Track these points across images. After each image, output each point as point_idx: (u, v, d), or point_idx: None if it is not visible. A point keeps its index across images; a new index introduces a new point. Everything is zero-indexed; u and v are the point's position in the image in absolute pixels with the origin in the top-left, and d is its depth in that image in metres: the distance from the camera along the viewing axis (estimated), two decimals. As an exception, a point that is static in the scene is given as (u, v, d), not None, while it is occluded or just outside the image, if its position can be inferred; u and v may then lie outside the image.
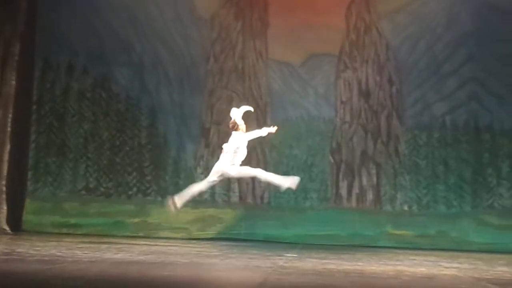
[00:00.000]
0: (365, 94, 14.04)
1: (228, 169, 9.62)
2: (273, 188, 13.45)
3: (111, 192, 13.78)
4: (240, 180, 13.74)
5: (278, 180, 9.62)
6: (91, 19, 14.01)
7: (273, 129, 9.97)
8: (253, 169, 9.82)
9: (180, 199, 9.40)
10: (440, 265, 8.43)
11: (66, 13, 13.90)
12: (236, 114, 10.07)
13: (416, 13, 14.13)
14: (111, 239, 11.51)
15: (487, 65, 13.73)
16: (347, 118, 14.01)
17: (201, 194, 9.93)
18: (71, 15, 13.92)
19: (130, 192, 13.80)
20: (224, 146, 9.79)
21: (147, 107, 14.03)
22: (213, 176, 9.64)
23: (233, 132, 9.89)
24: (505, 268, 8.15)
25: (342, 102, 14.08)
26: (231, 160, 9.69)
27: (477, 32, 13.82)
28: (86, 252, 8.13)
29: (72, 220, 13.46)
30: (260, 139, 13.49)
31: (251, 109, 10.22)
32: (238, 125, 9.93)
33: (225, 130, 13.83)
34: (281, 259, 8.49)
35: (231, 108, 13.83)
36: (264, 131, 10.01)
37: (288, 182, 9.47)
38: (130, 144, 13.94)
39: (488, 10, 13.86)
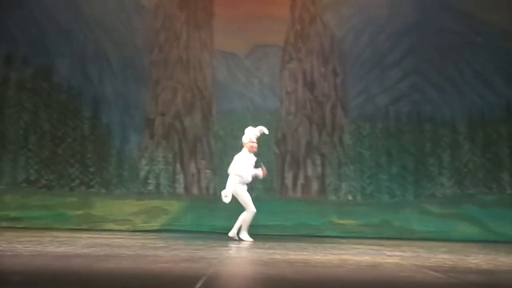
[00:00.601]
0: (310, 85, 14.10)
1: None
2: (219, 180, 13.45)
3: (53, 184, 13.56)
4: (185, 171, 13.69)
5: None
6: (32, 8, 13.73)
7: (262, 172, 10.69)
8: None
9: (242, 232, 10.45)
10: (383, 253, 8.53)
11: (5, 2, 13.58)
12: (253, 134, 10.61)
13: (360, 4, 14.26)
14: (54, 232, 11.33)
15: (429, 56, 13.94)
16: (292, 109, 14.05)
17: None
18: (10, 3, 13.62)
19: (72, 184, 13.61)
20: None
21: (90, 97, 13.83)
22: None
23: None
24: (446, 256, 8.29)
25: (287, 93, 14.12)
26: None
27: (419, 23, 14.02)
28: (27, 246, 7.97)
29: (13, 213, 13.20)
30: (205, 130, 13.53)
31: (266, 131, 10.76)
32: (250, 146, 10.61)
33: (170, 121, 13.78)
34: (227, 250, 8.47)
35: (175, 99, 13.91)
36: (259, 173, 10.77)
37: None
38: (72, 135, 13.74)
39: (429, 2, 14.07)
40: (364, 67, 14.10)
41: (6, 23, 13.64)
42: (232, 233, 10.54)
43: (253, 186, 13.63)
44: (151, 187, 13.72)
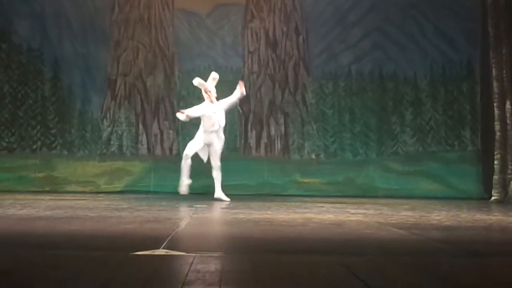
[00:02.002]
0: (272, 44, 14.04)
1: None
2: (182, 140, 13.41)
3: (14, 147, 13.39)
4: (148, 132, 13.61)
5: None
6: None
7: (241, 88, 10.30)
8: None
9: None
10: (347, 211, 8.63)
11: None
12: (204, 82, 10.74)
13: (322, -39, 14.15)
14: (16, 195, 11.24)
15: (390, 15, 13.93)
16: (255, 68, 14.00)
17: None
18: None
19: (34, 146, 13.46)
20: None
21: (50, 58, 13.61)
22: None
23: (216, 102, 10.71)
24: (409, 213, 8.41)
25: (249, 52, 14.05)
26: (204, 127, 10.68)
27: (380, -19, 13.99)
28: (-11, 209, 7.90)
29: (-27, 176, 13.05)
30: (168, 90, 13.42)
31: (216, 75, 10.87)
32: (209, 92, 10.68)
33: (132, 82, 13.65)
34: (190, 210, 8.49)
35: (137, 59, 13.76)
36: (235, 96, 10.45)
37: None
38: (33, 97, 13.53)
39: (390, -41, 14.03)
40: (326, 25, 14.06)
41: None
42: (217, 194, 10.62)
43: (216, 146, 13.65)
44: (113, 149, 13.63)
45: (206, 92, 10.81)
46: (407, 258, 4.48)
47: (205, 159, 10.88)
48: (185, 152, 10.81)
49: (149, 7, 13.91)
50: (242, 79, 13.71)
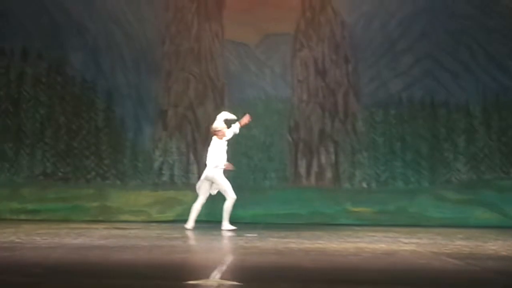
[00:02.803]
0: (322, 73, 14.08)
1: (214, 173, 10.43)
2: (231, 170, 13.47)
3: (69, 177, 13.64)
4: (198, 162, 13.71)
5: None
6: (45, 3, 13.78)
7: (245, 120, 10.27)
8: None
9: (189, 223, 10.45)
10: (399, 240, 8.52)
11: (20, -1, 13.68)
12: (220, 120, 10.66)
13: (370, -10, 14.18)
14: (70, 224, 11.41)
15: (441, 41, 13.86)
16: (305, 97, 14.03)
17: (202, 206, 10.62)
18: (25, 0, 13.69)
19: (88, 176, 13.68)
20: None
21: (103, 90, 13.88)
22: (204, 185, 10.51)
23: (214, 138, 10.59)
24: (463, 242, 8.27)
25: (299, 81, 14.10)
26: (216, 164, 10.48)
27: (430, 8, 13.94)
28: (45, 238, 8.04)
29: (30, 206, 13.30)
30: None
31: (234, 117, 10.77)
32: (223, 132, 10.56)
33: (183, 112, 13.81)
34: (241, 239, 8.50)
35: (188, 90, 13.93)
36: (236, 127, 10.35)
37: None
38: (87, 127, 13.80)
39: (440, -14, 13.98)
40: (375, 53, 14.05)
41: (21, 18, 13.71)
42: (189, 225, 10.49)
43: (266, 176, 13.69)
44: (165, 178, 13.77)
45: (220, 130, 10.64)
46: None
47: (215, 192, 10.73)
48: (233, 196, 10.49)
49: (200, 39, 14.10)
50: (291, 108, 13.78)
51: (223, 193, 10.53)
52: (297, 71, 14.15)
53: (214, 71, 14.08)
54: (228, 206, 10.44)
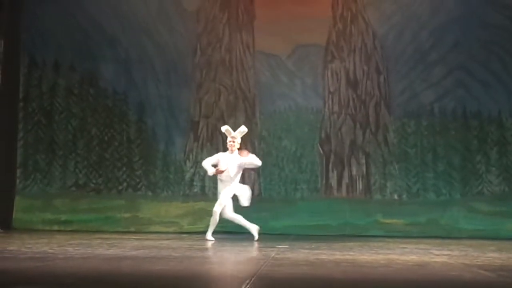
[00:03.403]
0: (353, 84, 14.06)
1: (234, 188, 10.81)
2: (263, 180, 13.53)
3: (101, 188, 13.75)
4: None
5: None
6: (77, 15, 13.95)
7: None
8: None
9: (208, 233, 10.74)
10: (430, 252, 8.47)
11: (51, 9, 13.85)
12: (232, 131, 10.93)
13: (401, 1, 14.14)
14: (102, 234, 11.50)
15: (473, 52, 13.77)
16: (336, 108, 14.02)
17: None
18: (56, 11, 13.88)
19: (120, 187, 13.78)
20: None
21: (135, 101, 13.99)
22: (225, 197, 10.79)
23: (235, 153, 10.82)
24: (495, 254, 8.20)
25: (330, 92, 14.09)
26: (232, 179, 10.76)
27: (462, 18, 13.84)
28: (77, 248, 8.12)
29: (63, 217, 13.43)
30: (249, 131, 13.55)
31: (245, 130, 11.05)
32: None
33: (214, 123, 13.86)
34: (272, 250, 8.51)
35: (219, 101, 13.99)
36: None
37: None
38: (118, 139, 13.91)
39: (472, -4, 13.89)
40: (407, 64, 13.99)
41: (53, 31, 13.88)
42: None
43: (297, 187, 13.69)
44: (196, 189, 13.82)
45: (231, 141, 10.84)
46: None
47: (246, 203, 10.84)
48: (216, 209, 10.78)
49: (230, 50, 14.17)
50: (322, 119, 13.77)
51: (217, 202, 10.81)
52: (328, 82, 14.14)
53: (245, 82, 14.13)
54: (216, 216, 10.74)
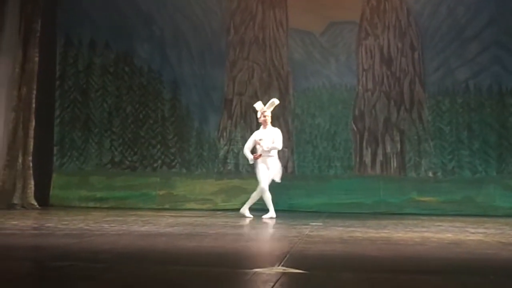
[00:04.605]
0: (387, 61, 13.94)
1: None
2: (297, 158, 13.53)
3: (136, 165, 13.88)
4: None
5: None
6: (112, -6, 14.03)
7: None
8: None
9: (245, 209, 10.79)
10: (466, 230, 8.43)
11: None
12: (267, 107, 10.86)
13: (436, -23, 13.95)
14: (138, 211, 11.63)
15: (509, 28, 13.55)
16: (370, 85, 13.93)
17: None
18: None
19: (155, 165, 13.89)
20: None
21: (169, 80, 14.05)
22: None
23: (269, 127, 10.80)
24: (531, 232, 8.13)
25: (364, 69, 14.00)
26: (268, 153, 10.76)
27: (498, -6, 13.65)
28: (113, 225, 8.23)
29: (99, 194, 13.59)
30: (282, 109, 13.53)
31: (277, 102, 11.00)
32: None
33: (247, 101, 13.88)
34: (306, 228, 8.53)
35: (252, 78, 13.99)
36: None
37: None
38: (153, 117, 14.00)
39: (509, -28, 13.65)
40: (442, 40, 13.82)
41: (89, 10, 13.97)
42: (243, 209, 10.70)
43: (331, 164, 13.67)
44: (230, 167, 13.88)
45: (263, 116, 10.80)
46: (530, 280, 4.35)
47: (277, 179, 10.80)
48: (263, 186, 10.65)
49: (264, 28, 14.13)
50: (356, 96, 13.70)
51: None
52: (362, 59, 14.04)
53: (278, 60, 14.11)
54: (255, 194, 10.70)
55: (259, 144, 10.73)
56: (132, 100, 13.99)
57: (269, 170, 10.69)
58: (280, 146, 10.81)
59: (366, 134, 13.78)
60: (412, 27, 13.95)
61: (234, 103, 14.01)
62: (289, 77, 14.01)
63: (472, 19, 13.67)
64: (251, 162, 10.97)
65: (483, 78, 13.58)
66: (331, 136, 13.78)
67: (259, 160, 10.70)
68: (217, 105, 14.03)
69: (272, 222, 9.73)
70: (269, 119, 10.85)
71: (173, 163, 13.88)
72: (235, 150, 13.84)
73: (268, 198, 10.65)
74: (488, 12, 13.62)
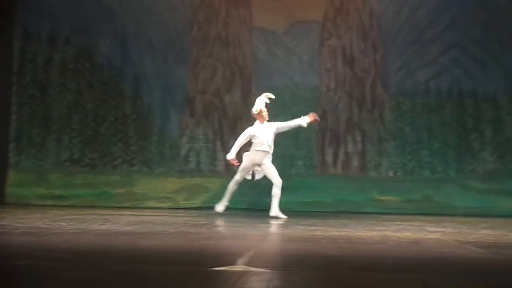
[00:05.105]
0: (350, 61, 14.02)
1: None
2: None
3: (96, 163, 13.73)
4: (225, 149, 13.74)
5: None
6: (73, -12, 13.86)
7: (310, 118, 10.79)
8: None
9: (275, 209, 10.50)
10: (425, 229, 8.51)
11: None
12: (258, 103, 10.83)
13: (399, -22, 14.06)
14: (97, 210, 11.51)
15: (469, 30, 13.72)
16: (332, 85, 13.99)
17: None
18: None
19: (115, 163, 13.76)
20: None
21: (131, 77, 13.93)
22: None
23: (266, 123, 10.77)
24: (488, 231, 8.24)
25: (326, 69, 14.05)
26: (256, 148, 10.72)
27: (459, -3, 13.81)
28: (71, 223, 8.13)
29: (57, 192, 13.41)
30: (245, 107, 13.52)
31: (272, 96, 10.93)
32: (262, 115, 10.82)
33: (210, 99, 13.83)
34: (268, 226, 8.52)
35: (215, 76, 13.94)
36: (300, 121, 10.95)
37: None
38: (114, 114, 13.86)
39: (469, -25, 13.82)
40: (404, 42, 13.95)
41: (49, 4, 13.78)
42: (274, 212, 10.53)
43: (293, 163, 13.70)
44: (192, 165, 13.82)
45: (260, 113, 10.77)
46: (486, 278, 4.39)
47: (258, 176, 10.80)
48: (279, 180, 10.61)
49: (227, 26, 14.10)
50: (319, 96, 13.76)
51: (270, 178, 10.65)
52: (325, 59, 14.10)
53: (241, 58, 14.09)
54: (276, 192, 10.56)
55: (233, 164, 10.69)
56: (92, 97, 13.84)
57: (262, 166, 10.67)
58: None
59: (328, 133, 13.84)
60: (374, 28, 14.04)
61: (196, 101, 13.95)
62: (252, 75, 14.01)
63: (434, 22, 13.82)
64: (227, 158, 10.86)
65: (443, 80, 13.74)
66: (293, 135, 13.77)
67: (253, 153, 10.68)
68: (179, 103, 13.95)
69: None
70: (266, 114, 10.79)
71: (134, 161, 13.77)
72: (197, 149, 13.79)
73: (233, 190, 10.79)
74: (449, 15, 13.78)
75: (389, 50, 13.91)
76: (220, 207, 10.84)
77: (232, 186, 10.83)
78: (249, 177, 10.83)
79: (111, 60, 13.90)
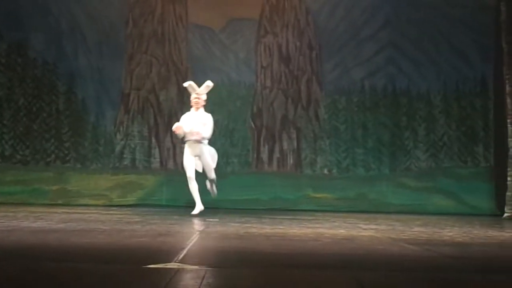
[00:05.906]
0: (285, 59, 14.08)
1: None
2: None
3: (28, 160, 13.47)
4: (160, 146, 13.65)
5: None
6: (5, -19, 13.55)
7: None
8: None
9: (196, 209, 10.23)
10: (358, 226, 8.61)
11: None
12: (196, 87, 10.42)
13: (335, -23, 14.19)
14: (29, 207, 11.30)
15: (404, 30, 13.94)
16: (268, 83, 14.04)
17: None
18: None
19: (48, 159, 13.53)
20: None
21: (65, 72, 13.70)
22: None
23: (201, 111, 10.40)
24: (421, 229, 8.39)
25: (262, 67, 14.09)
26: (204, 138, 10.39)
27: (394, -4, 14.02)
28: (2, 221, 7.96)
29: (-13, 189, 13.12)
30: (181, 104, 13.46)
31: (211, 84, 10.62)
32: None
33: (145, 96, 13.72)
34: (202, 224, 8.50)
35: (150, 73, 13.83)
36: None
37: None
38: (47, 110, 13.62)
39: (405, -25, 14.03)
40: (339, 40, 14.08)
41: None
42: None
43: (228, 161, 13.69)
44: (126, 162, 13.69)
45: (196, 98, 10.33)
46: (419, 274, 4.47)
47: (200, 169, 10.39)
48: (188, 174, 10.25)
49: (163, 22, 14.00)
50: (255, 94, 13.79)
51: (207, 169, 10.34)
52: (261, 57, 14.13)
53: (177, 55, 14.00)
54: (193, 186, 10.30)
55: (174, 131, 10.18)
56: (24, 93, 13.56)
57: (202, 158, 10.26)
58: (208, 134, 10.35)
59: (263, 131, 13.89)
60: (310, 26, 14.14)
61: (131, 98, 13.82)
62: (188, 72, 13.93)
63: (368, 20, 13.99)
64: (173, 129, 10.36)
65: (378, 78, 13.92)
66: (229, 132, 13.80)
67: (186, 146, 10.24)
68: (114, 99, 13.80)
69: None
70: (202, 103, 10.41)
71: (67, 158, 13.56)
72: (132, 145, 13.66)
73: (193, 188, 10.21)
74: (383, 13, 13.97)
75: (324, 49, 14.02)
76: (195, 210, 10.40)
77: (190, 186, 10.37)
78: (199, 169, 10.42)
79: (45, 55, 13.66)
